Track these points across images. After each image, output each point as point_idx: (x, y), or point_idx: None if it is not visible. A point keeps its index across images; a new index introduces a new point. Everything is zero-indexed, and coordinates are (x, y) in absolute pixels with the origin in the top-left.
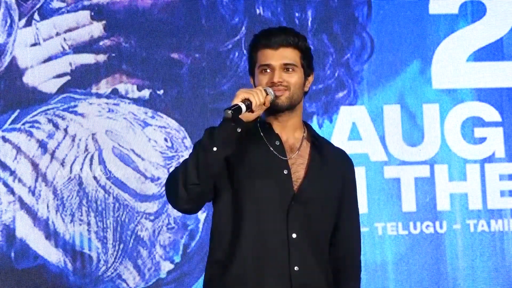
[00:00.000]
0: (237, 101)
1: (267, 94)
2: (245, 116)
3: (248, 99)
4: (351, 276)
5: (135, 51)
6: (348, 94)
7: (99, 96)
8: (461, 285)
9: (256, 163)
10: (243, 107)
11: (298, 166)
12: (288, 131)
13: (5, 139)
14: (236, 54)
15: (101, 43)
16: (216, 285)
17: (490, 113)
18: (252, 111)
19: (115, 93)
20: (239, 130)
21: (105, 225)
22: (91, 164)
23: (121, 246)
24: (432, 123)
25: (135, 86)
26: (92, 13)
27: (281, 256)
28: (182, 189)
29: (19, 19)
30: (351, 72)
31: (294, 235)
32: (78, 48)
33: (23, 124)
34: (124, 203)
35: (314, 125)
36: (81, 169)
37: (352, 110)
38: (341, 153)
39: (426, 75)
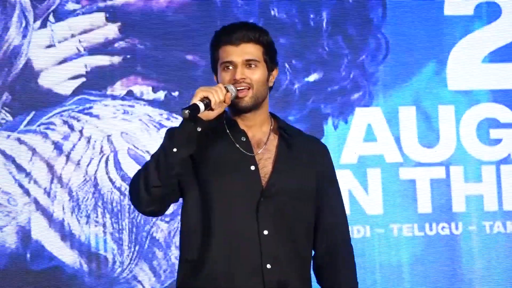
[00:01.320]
0: (196, 100)
1: (227, 92)
2: (205, 114)
3: (207, 98)
4: (340, 266)
5: (150, 53)
6: (363, 95)
7: (114, 97)
8: (476, 286)
9: (222, 160)
10: (201, 106)
11: (265, 160)
12: (255, 127)
13: (20, 141)
14: None
15: (116, 44)
16: (188, 285)
17: (506, 114)
18: (211, 109)
19: (130, 94)
20: (199, 129)
21: (120, 227)
22: (106, 165)
23: (137, 247)
24: (448, 124)
25: (150, 88)
26: (107, 15)
27: (253, 254)
28: (143, 191)
29: (34, 21)
30: (366, 73)
31: (265, 232)
32: (93, 50)
33: (39, 125)
34: None
35: (329, 126)
36: (96, 170)
37: (367, 111)
38: (313, 141)
39: (441, 76)
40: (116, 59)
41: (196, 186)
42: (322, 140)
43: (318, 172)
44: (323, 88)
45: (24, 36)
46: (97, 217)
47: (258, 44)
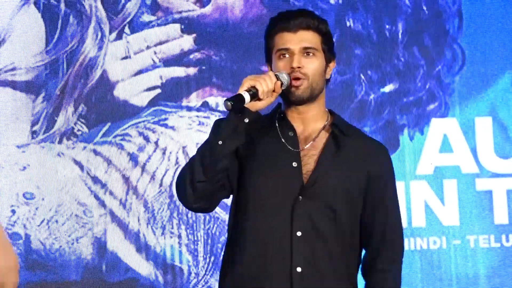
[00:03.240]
0: (241, 90)
1: (278, 80)
2: (252, 105)
3: (254, 87)
4: (385, 269)
5: (225, 64)
6: (439, 106)
7: (189, 109)
8: None
9: (265, 156)
10: (247, 96)
11: (309, 158)
12: (307, 122)
13: (96, 152)
14: None
15: (191, 56)
16: (223, 282)
17: None
18: (259, 99)
19: (205, 106)
20: (246, 120)
21: (196, 238)
22: None
23: (212, 258)
24: None
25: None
26: (182, 26)
27: (283, 256)
28: (189, 187)
29: (110, 33)
30: (442, 84)
31: (298, 233)
32: (169, 61)
33: (114, 137)
34: (214, 215)
35: (405, 137)
36: (171, 182)
37: (443, 122)
38: (371, 143)
39: None
40: (192, 71)
41: (237, 181)
42: (398, 152)
43: (369, 174)
44: (398, 99)
45: (99, 48)
46: (172, 228)
47: (316, 32)
